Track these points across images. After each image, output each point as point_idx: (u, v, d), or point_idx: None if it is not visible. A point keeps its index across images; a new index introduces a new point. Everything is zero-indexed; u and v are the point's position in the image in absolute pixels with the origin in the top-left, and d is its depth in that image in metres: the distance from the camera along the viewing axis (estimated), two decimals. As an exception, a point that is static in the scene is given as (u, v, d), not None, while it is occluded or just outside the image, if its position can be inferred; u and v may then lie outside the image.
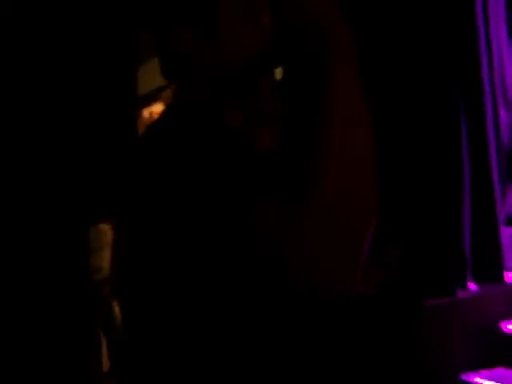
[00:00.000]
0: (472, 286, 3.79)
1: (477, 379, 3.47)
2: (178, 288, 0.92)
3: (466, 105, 3.83)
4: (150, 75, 3.98)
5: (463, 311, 3.69)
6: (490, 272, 3.87)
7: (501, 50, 4.14)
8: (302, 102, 0.96)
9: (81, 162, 3.89)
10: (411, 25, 3.73)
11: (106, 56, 3.96)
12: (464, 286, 3.75)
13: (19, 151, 3.79)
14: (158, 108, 4.44)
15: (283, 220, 0.88)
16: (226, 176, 0.89)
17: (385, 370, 2.71)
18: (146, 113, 4.62)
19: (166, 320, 0.94)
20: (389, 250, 3.22)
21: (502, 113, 4.15)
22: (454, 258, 3.72)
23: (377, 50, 3.60)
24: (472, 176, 3.80)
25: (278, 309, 0.89)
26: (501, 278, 3.86)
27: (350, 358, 2.34)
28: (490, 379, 3.45)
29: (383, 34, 3.66)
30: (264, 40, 1.00)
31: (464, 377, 3.49)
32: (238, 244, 0.88)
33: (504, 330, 3.68)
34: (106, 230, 2.90)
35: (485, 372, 3.52)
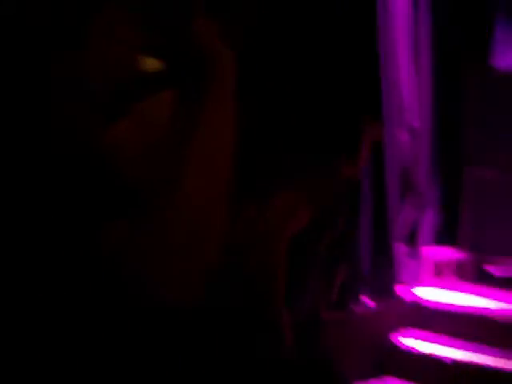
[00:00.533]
0: (366, 300, 3.90)
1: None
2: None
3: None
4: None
5: (357, 325, 3.79)
6: (383, 287, 3.99)
7: (399, 74, 4.31)
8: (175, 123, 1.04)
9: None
10: (312, 52, 3.76)
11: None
12: (358, 301, 3.85)
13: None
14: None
15: (128, 236, 0.93)
16: (74, 195, 0.92)
17: (279, 379, 2.74)
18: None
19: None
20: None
21: (403, 135, 4.32)
22: (349, 273, 3.80)
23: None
24: (369, 194, 3.90)
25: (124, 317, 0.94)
26: (393, 293, 3.99)
27: (242, 366, 2.36)
28: (379, 388, 3.56)
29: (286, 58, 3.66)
30: (134, 61, 1.06)
31: (355, 386, 3.57)
32: (83, 258, 0.92)
33: (394, 341, 3.81)
34: None
35: (375, 382, 3.62)
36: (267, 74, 3.54)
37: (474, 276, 4.17)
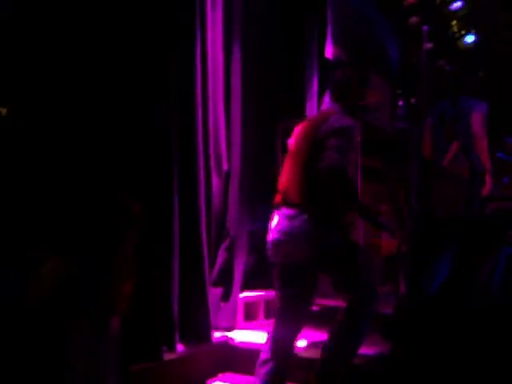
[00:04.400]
0: (180, 346, 3.75)
1: None
2: None
3: (180, 171, 3.85)
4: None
5: (170, 373, 3.61)
6: (197, 332, 3.87)
7: (217, 119, 4.36)
8: None
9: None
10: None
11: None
12: (172, 348, 3.68)
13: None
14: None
15: None
16: None
17: None
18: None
19: None
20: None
21: (215, 179, 4.32)
22: (161, 320, 3.64)
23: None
24: (182, 238, 3.78)
25: None
26: (208, 338, 3.89)
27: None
28: None
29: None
30: None
31: None
32: None
33: (210, 388, 3.69)
34: None
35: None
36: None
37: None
